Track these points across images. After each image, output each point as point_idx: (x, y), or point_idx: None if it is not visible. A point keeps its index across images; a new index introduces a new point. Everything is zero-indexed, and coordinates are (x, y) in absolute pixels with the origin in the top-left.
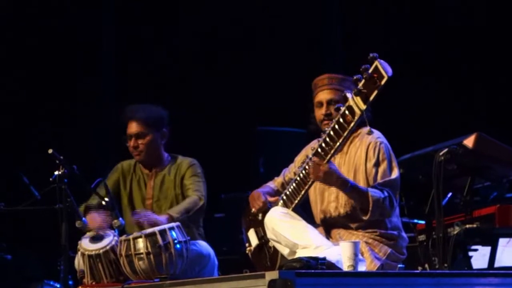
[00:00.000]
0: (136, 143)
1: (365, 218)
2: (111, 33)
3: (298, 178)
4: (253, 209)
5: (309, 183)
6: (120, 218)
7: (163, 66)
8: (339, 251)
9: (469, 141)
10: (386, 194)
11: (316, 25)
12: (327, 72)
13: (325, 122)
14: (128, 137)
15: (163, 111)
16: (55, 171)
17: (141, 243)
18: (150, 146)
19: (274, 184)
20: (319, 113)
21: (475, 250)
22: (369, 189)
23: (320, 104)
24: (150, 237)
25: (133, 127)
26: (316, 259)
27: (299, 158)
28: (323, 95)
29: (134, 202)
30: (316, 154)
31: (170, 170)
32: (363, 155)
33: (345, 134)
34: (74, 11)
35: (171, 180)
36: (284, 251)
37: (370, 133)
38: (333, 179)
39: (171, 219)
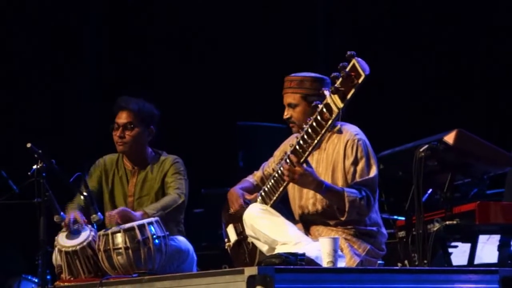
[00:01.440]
0: (123, 133)
1: (342, 218)
2: (93, 26)
3: (276, 175)
4: (231, 210)
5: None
6: (99, 213)
7: (144, 59)
8: (318, 247)
9: (449, 138)
10: (363, 194)
11: (297, 19)
12: (305, 67)
13: (290, 125)
14: (115, 126)
15: (156, 110)
16: (34, 165)
17: (119, 238)
18: (135, 140)
19: (253, 178)
20: (284, 115)
21: (455, 246)
22: (346, 189)
23: (284, 106)
24: (129, 232)
25: (123, 117)
26: (295, 255)
27: (278, 153)
28: (284, 98)
29: (115, 199)
30: (294, 151)
31: (153, 168)
32: (341, 153)
33: (323, 131)
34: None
35: (153, 177)
36: (263, 247)
37: (339, 132)
38: (308, 181)
39: (146, 215)
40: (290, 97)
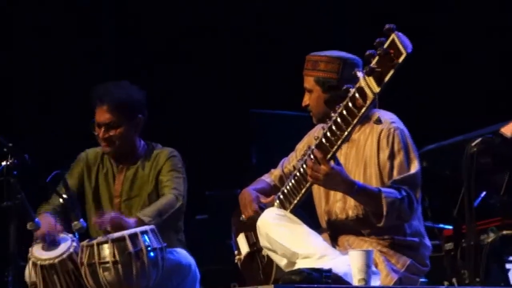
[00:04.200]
0: (107, 134)
1: (379, 224)
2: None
3: (297, 174)
4: (242, 217)
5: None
6: (81, 220)
7: (148, 43)
8: (347, 262)
9: (507, 129)
10: (404, 193)
11: None
12: (328, 45)
13: (310, 113)
14: (96, 124)
15: (139, 93)
16: (2, 161)
17: (107, 250)
18: (123, 138)
19: (270, 178)
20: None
21: None
22: (382, 189)
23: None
24: (118, 242)
25: (103, 115)
26: (320, 271)
27: (301, 147)
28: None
29: (100, 200)
30: (319, 145)
31: (144, 163)
32: (374, 145)
33: (355, 121)
34: None
35: (145, 175)
36: (281, 262)
37: (378, 122)
38: (336, 182)
39: (140, 223)
40: (305, 81)
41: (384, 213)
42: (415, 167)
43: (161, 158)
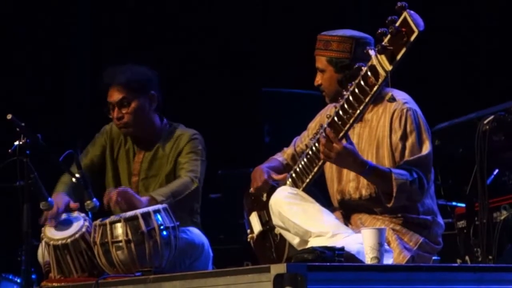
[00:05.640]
0: (120, 113)
1: (388, 205)
2: None
3: (310, 152)
4: (251, 189)
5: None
6: (94, 199)
7: (151, 20)
8: (360, 240)
9: None
10: (415, 175)
11: None
12: (341, 23)
13: (322, 93)
14: (109, 106)
15: (149, 71)
16: (15, 141)
17: (119, 229)
18: (137, 115)
19: (283, 156)
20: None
21: None
22: (394, 170)
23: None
24: (131, 221)
25: (114, 95)
26: (332, 249)
27: (313, 126)
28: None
29: (119, 176)
30: (331, 123)
31: (165, 143)
32: (387, 126)
33: (367, 100)
34: None
35: (165, 155)
36: (294, 240)
37: (391, 100)
38: (348, 161)
39: (153, 202)
40: (317, 61)
41: (394, 194)
42: (426, 148)
43: (183, 140)
